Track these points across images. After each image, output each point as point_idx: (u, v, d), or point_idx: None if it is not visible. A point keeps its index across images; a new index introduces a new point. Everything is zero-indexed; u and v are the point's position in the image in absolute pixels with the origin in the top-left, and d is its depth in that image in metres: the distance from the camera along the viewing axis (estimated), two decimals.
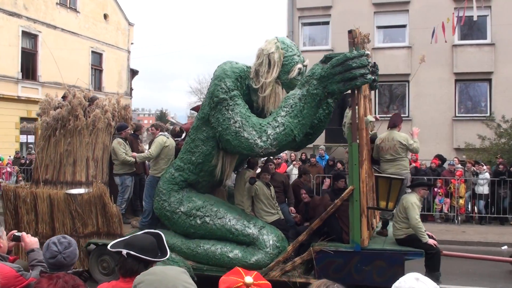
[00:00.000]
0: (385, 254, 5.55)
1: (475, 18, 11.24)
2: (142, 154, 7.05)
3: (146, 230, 2.65)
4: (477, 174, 10.88)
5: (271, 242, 6.01)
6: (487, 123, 13.90)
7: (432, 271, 5.43)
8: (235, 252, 6.09)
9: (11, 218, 7.34)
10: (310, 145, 12.19)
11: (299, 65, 6.24)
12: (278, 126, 5.71)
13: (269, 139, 5.71)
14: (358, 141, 5.59)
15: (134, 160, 7.47)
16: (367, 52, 5.59)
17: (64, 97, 7.93)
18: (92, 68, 21.86)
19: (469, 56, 14.59)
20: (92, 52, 21.78)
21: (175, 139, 7.63)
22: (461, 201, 10.81)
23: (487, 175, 10.78)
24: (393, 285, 1.70)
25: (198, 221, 6.36)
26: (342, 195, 5.66)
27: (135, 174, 7.77)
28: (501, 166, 10.90)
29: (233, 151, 6.15)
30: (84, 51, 21.02)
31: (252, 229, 6.12)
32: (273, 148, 5.78)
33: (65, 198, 6.89)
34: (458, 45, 14.77)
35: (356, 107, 5.66)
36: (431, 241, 5.43)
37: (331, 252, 5.62)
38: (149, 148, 7.62)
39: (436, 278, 5.42)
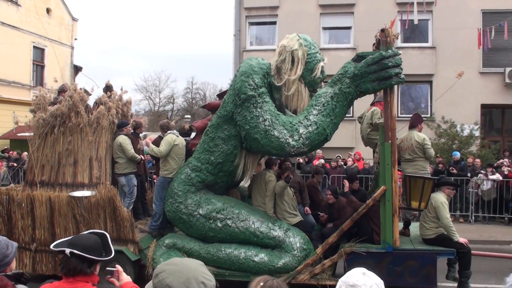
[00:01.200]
0: (418, 254, 5.53)
1: (416, 22, 11.53)
2: (154, 149, 6.61)
3: (91, 230, 2.63)
4: None
5: (298, 244, 5.84)
6: (427, 124, 14.19)
7: (463, 269, 5.48)
8: (261, 256, 5.85)
9: (3, 224, 6.67)
10: None
11: (322, 63, 6.11)
12: (310, 125, 5.54)
13: (301, 138, 5.53)
14: (390, 141, 5.53)
15: (140, 158, 7.03)
16: (399, 52, 5.55)
17: (60, 92, 7.31)
18: (33, 63, 20.61)
19: (411, 58, 14.63)
20: (34, 47, 20.51)
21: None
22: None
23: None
24: (340, 279, 1.77)
25: (219, 224, 6.06)
26: (374, 195, 5.58)
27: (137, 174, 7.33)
28: (440, 165, 11.33)
29: (261, 151, 5.92)
30: (25, 46, 19.82)
31: (277, 232, 5.91)
32: (305, 148, 5.60)
33: (68, 201, 6.34)
34: (401, 48, 14.83)
35: (389, 107, 5.59)
36: (462, 240, 5.48)
37: (364, 253, 5.53)
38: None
39: (467, 277, 5.49)
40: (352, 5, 15.45)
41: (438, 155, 12.24)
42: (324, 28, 15.91)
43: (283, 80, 5.89)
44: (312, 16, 15.35)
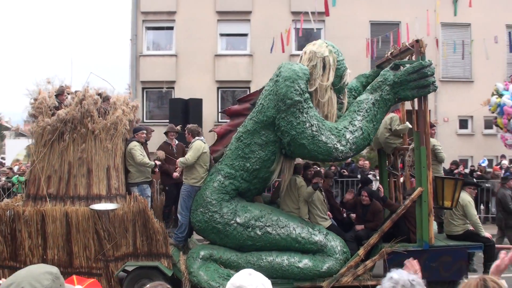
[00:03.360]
0: (451, 249, 5.96)
1: (315, 30, 12.45)
2: (181, 160, 6.24)
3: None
4: None
5: (339, 248, 5.95)
6: None
7: (489, 261, 6.02)
8: (305, 262, 5.85)
9: (5, 245, 5.82)
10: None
11: (349, 70, 6.32)
12: (356, 130, 5.69)
13: (348, 143, 5.65)
14: (425, 145, 5.90)
15: (154, 164, 6.59)
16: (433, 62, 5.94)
17: (58, 95, 6.57)
18: None
19: None
20: None
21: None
22: None
23: None
24: (228, 282, 1.89)
25: (258, 232, 5.93)
26: (412, 196, 5.90)
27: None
28: (332, 167, 11.38)
29: (306, 156, 5.91)
30: None
31: (318, 236, 5.97)
32: (351, 152, 5.74)
33: (90, 215, 5.73)
34: (295, 55, 15.58)
35: (423, 113, 5.94)
36: (487, 234, 6.03)
37: (405, 252, 5.81)
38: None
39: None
40: (249, 12, 15.77)
41: None
42: (221, 35, 16.09)
43: (314, 86, 5.96)
44: (209, 23, 15.52)
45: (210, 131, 7.26)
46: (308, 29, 11.91)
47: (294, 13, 15.04)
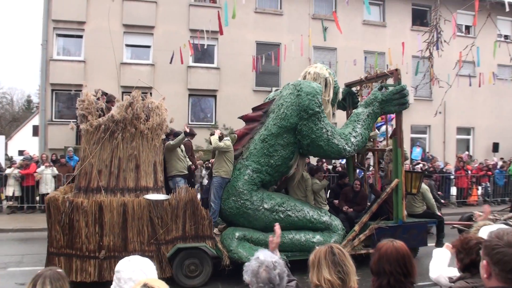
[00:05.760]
0: (416, 224, 8.09)
1: (205, 47, 14.80)
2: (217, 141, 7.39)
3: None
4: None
5: (340, 225, 7.68)
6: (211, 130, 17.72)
7: (440, 232, 8.30)
8: (318, 237, 7.45)
9: (63, 234, 6.35)
10: (62, 146, 15.02)
11: (341, 89, 8.16)
12: (357, 135, 7.50)
13: (352, 145, 7.42)
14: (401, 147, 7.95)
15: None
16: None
17: (108, 101, 7.30)
18: None
19: (200, 76, 17.76)
20: None
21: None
22: None
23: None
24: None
25: (281, 215, 7.36)
26: (391, 185, 7.89)
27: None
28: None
29: (321, 155, 7.51)
30: None
31: (325, 217, 7.62)
32: (354, 152, 7.54)
33: (146, 205, 6.56)
34: (192, 67, 18.00)
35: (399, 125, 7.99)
36: (439, 213, 8.31)
37: (387, 227, 7.77)
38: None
39: (443, 237, 8.32)
40: (152, 27, 17.53)
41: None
42: (127, 45, 17.54)
43: None
44: (116, 34, 16.79)
45: (233, 133, 8.42)
46: (204, 45, 13.80)
47: (192, 30, 16.93)
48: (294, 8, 19.02)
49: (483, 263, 1.88)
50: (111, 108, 7.23)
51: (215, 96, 18.22)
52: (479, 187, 15.97)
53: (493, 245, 1.81)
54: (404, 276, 2.21)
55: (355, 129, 7.55)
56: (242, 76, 18.04)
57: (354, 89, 9.51)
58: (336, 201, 8.66)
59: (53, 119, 16.82)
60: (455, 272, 2.80)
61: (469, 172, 15.96)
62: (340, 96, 8.11)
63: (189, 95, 17.96)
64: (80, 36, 17.04)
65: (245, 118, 8.21)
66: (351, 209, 8.32)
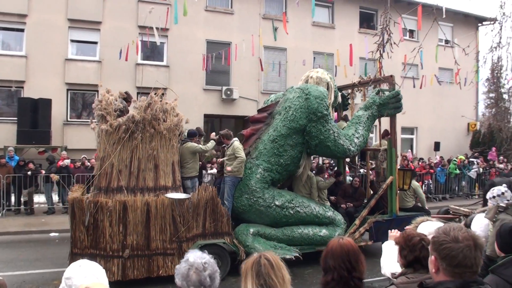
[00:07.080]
0: (408, 217, 8.76)
1: (158, 43, 14.58)
2: (238, 160, 7.65)
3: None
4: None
5: (342, 220, 8.26)
6: None
7: None
8: (324, 231, 7.96)
9: (87, 235, 6.38)
10: (2, 146, 14.61)
11: (340, 93, 8.75)
12: (360, 136, 8.10)
13: (356, 146, 8.01)
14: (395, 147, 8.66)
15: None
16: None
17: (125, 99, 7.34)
18: None
19: (149, 73, 17.13)
20: None
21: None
22: None
23: None
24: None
25: (291, 211, 7.80)
26: (387, 182, 8.58)
27: None
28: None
29: (328, 155, 8.00)
30: None
31: (329, 212, 8.16)
32: (356, 152, 8.12)
33: (169, 203, 6.73)
34: (141, 64, 17.35)
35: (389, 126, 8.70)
36: (427, 207, 9.14)
37: (384, 221, 8.45)
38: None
39: None
40: (99, 22, 17.00)
41: None
42: (72, 41, 17.00)
43: None
44: (60, 28, 16.38)
45: (240, 133, 8.65)
46: (153, 42, 13.56)
47: (140, 27, 16.74)
48: (245, 8, 19.11)
49: (431, 258, 1.93)
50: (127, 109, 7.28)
51: (163, 95, 17.80)
52: (422, 185, 16.98)
53: (441, 240, 1.87)
54: (348, 271, 2.20)
55: (357, 130, 8.14)
56: (192, 75, 17.88)
57: (344, 92, 10.14)
58: (332, 198, 9.23)
59: None
60: (398, 268, 2.76)
61: None
62: (339, 99, 8.69)
63: (138, 93, 16.87)
64: (21, 30, 16.18)
65: (252, 120, 8.54)
66: (351, 204, 8.92)
